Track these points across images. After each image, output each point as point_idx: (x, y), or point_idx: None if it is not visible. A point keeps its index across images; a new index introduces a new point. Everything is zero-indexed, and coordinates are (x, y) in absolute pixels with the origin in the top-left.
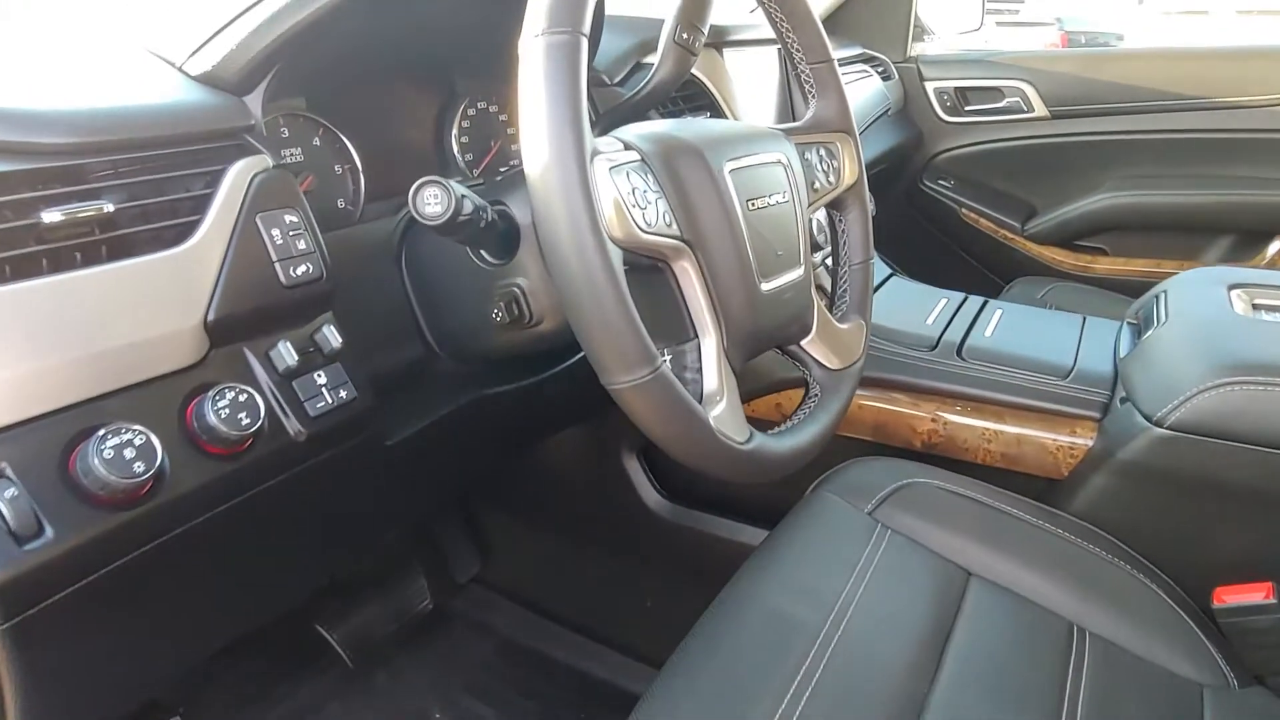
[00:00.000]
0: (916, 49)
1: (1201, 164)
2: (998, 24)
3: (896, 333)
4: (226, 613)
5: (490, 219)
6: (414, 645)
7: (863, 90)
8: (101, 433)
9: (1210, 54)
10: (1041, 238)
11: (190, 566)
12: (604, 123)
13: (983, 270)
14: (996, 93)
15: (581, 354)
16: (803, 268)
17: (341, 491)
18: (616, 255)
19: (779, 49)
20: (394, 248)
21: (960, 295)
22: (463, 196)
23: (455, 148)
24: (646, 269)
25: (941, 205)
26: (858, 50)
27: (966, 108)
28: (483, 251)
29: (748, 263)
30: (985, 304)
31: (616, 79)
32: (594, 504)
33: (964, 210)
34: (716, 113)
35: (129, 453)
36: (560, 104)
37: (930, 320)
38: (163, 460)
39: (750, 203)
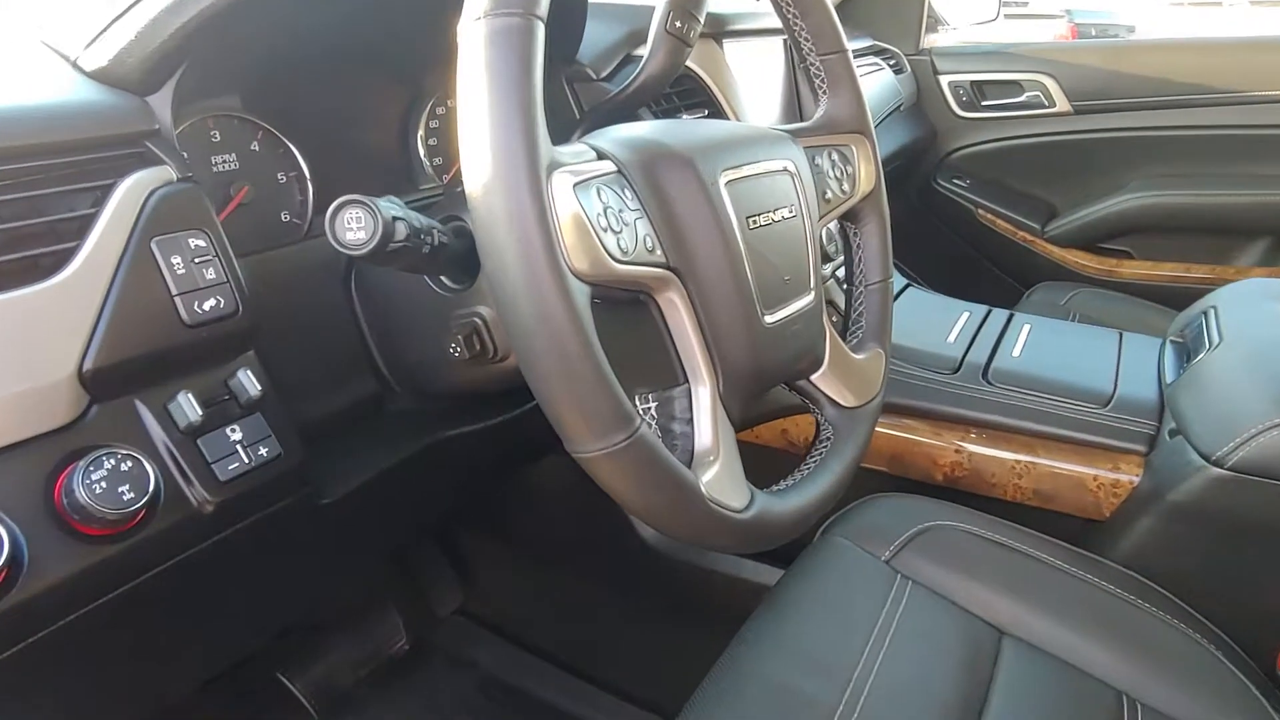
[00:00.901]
0: (930, 40)
1: (1234, 161)
2: (1005, 16)
3: (915, 353)
4: (121, 706)
5: (437, 242)
6: (388, 686)
7: (873, 84)
8: None
9: (1244, 45)
10: (1063, 240)
11: (68, 667)
12: (588, 122)
13: (1000, 274)
14: (1016, 86)
15: None
16: (813, 293)
17: (264, 563)
18: (582, 294)
19: (785, 40)
20: (342, 268)
21: (983, 309)
22: (395, 219)
23: (421, 151)
24: (625, 301)
25: (956, 205)
26: (868, 42)
27: (983, 102)
28: (441, 275)
29: (748, 292)
30: (1011, 318)
31: (604, 73)
32: (584, 532)
33: (980, 211)
34: (715, 111)
35: None
36: (507, 103)
37: (951, 338)
38: (16, 549)
39: (750, 220)
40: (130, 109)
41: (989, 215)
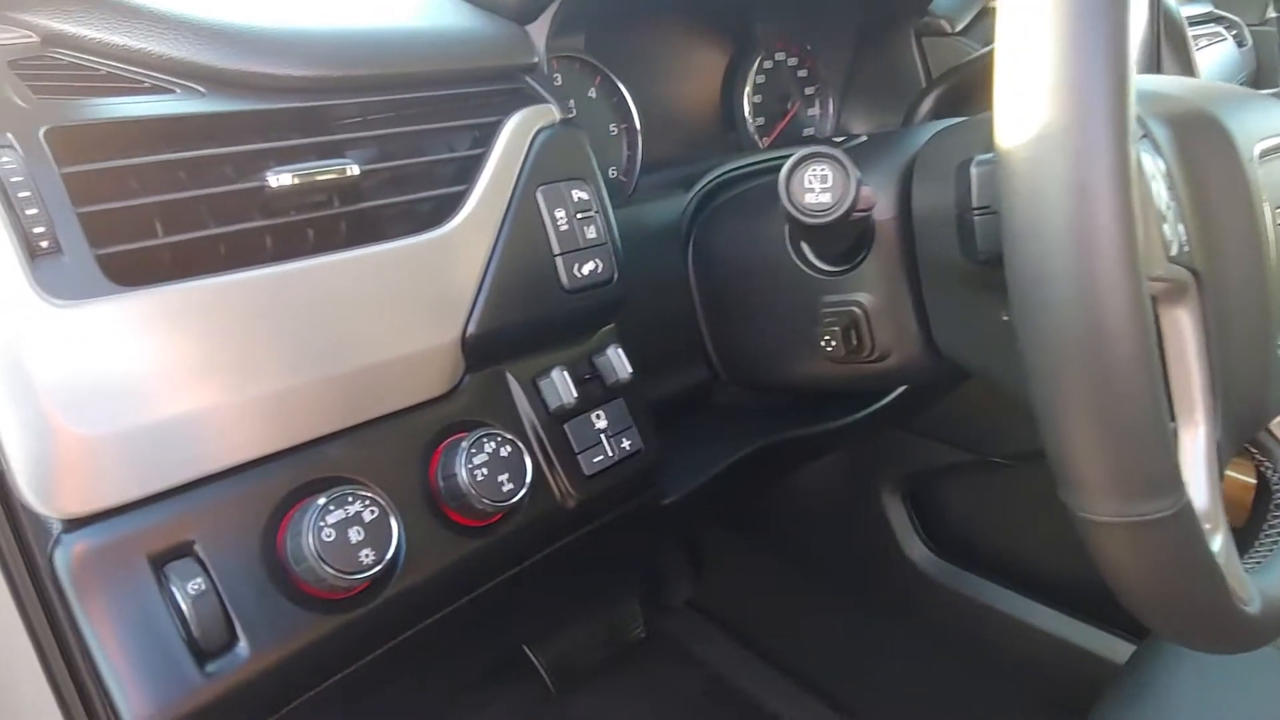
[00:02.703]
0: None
1: None
2: None
3: None
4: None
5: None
6: (620, 672)
7: (1213, 57)
8: (323, 501)
9: None
10: None
11: (403, 674)
12: (940, 89)
13: None
14: None
15: (903, 388)
16: None
17: (597, 559)
18: (1149, 308)
19: None
20: (681, 236)
21: None
22: (859, 181)
23: (746, 109)
24: None
25: None
26: (1206, 8)
27: None
28: (808, 250)
29: (1272, 307)
30: None
31: (959, 28)
32: (840, 543)
33: None
34: None
35: (355, 533)
36: (1091, 23)
37: None
38: (399, 541)
39: (1277, 211)
40: (511, 38)
41: None
